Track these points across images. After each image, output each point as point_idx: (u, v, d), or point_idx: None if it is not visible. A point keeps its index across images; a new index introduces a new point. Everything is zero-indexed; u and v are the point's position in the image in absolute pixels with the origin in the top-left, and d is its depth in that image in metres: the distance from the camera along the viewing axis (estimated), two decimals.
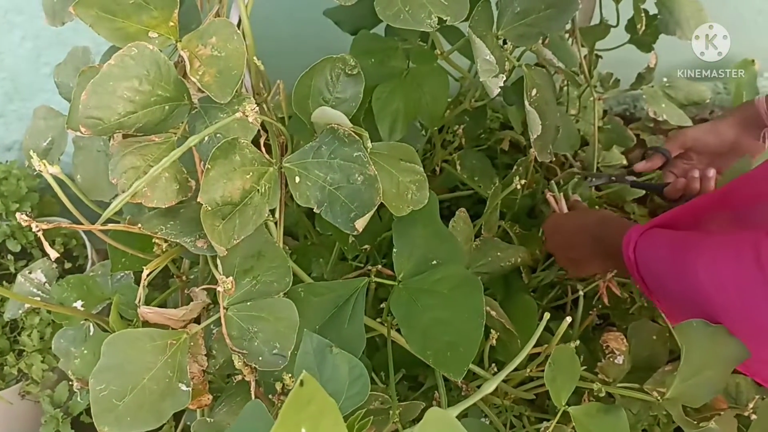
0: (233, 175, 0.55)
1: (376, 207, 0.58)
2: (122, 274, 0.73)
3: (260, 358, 0.56)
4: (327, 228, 0.92)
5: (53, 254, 0.47)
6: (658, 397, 0.61)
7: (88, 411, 0.84)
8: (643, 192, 1.12)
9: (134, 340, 0.54)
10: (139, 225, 0.56)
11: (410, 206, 0.63)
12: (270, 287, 0.59)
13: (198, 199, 0.53)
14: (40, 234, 0.46)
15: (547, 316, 0.60)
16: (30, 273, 0.77)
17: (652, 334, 0.85)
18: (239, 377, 0.58)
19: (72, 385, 0.80)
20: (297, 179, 0.59)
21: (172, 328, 0.59)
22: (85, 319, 0.71)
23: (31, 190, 0.98)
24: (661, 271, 0.65)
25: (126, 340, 0.54)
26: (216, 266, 0.59)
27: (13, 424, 0.77)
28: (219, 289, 0.55)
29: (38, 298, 0.74)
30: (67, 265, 0.97)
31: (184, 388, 0.55)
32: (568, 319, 0.60)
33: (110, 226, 0.54)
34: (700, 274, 0.57)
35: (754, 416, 0.65)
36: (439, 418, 0.39)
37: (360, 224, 0.57)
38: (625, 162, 1.18)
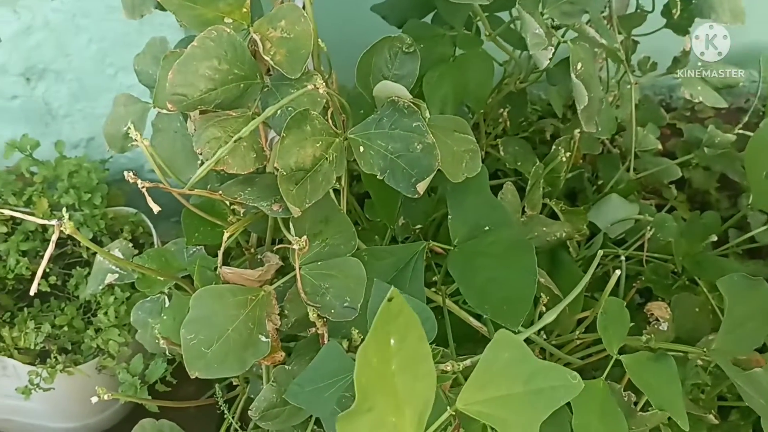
0: (305, 143, 0.60)
1: (434, 172, 0.63)
2: (194, 249, 0.78)
3: (332, 311, 0.61)
4: (376, 215, 0.97)
5: (156, 208, 0.52)
6: (704, 349, 0.65)
7: (162, 380, 0.90)
8: (680, 174, 1.15)
9: (219, 295, 0.60)
10: (220, 192, 0.62)
11: (464, 173, 0.68)
12: (338, 249, 0.65)
13: (274, 164, 0.58)
14: (144, 190, 0.52)
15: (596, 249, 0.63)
16: (108, 251, 0.83)
17: (695, 306, 0.89)
18: (312, 331, 0.63)
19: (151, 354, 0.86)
20: (361, 149, 0.64)
21: None
22: (161, 292, 0.77)
23: (100, 182, 1.05)
24: None
25: (212, 294, 0.60)
26: (288, 230, 0.64)
27: (91, 395, 0.82)
28: (295, 247, 0.60)
29: (117, 275, 0.81)
30: (134, 252, 1.03)
31: (263, 339, 0.60)
32: (618, 272, 0.64)
33: (196, 191, 0.60)
34: None
35: None
36: (508, 339, 0.44)
37: (421, 187, 0.62)
38: (660, 148, 1.21)
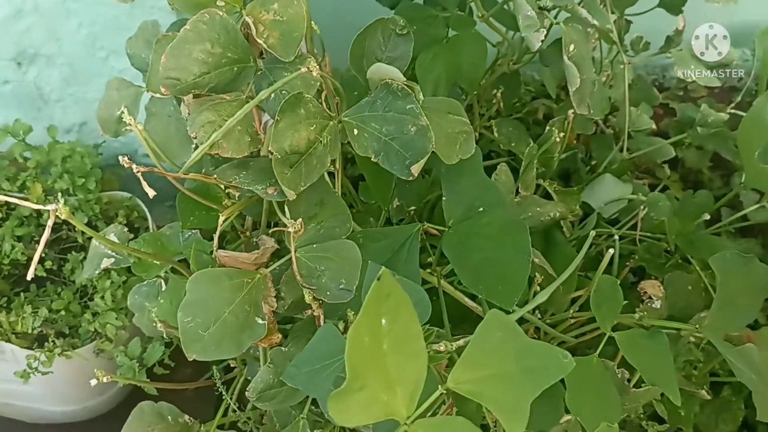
0: (299, 126, 0.60)
1: (429, 154, 0.63)
2: (190, 233, 0.78)
3: (328, 293, 0.61)
4: (371, 197, 0.97)
5: (151, 192, 0.52)
6: (697, 325, 0.65)
7: (160, 363, 0.90)
8: (673, 154, 1.16)
9: (215, 278, 0.60)
10: (215, 176, 0.62)
11: (458, 155, 0.68)
12: (333, 232, 0.65)
13: (269, 148, 0.59)
14: (139, 174, 0.52)
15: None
16: (104, 236, 0.84)
17: (687, 284, 0.89)
18: (308, 313, 0.63)
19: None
20: (355, 131, 0.64)
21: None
22: (157, 276, 0.77)
23: (94, 166, 1.05)
24: None
25: (208, 278, 0.60)
26: (283, 213, 0.64)
27: (89, 379, 0.83)
28: (290, 230, 0.61)
29: (113, 260, 0.81)
30: (129, 236, 1.03)
31: (260, 321, 0.61)
32: (611, 250, 0.64)
33: (191, 175, 0.60)
34: None
35: None
36: (499, 319, 0.44)
37: (415, 169, 0.62)
38: (653, 128, 1.22)
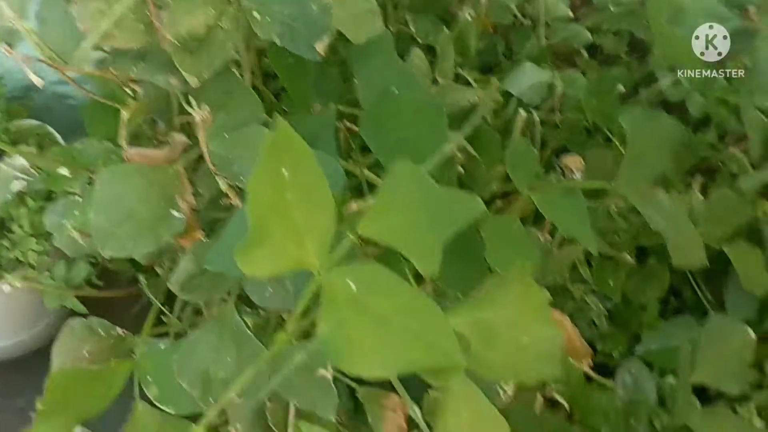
0: (195, 11, 0.58)
1: (333, 32, 0.62)
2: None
3: (242, 178, 0.60)
4: (292, 104, 0.96)
5: (38, 80, 0.50)
6: (611, 183, 0.67)
7: (89, 283, 0.88)
8: (590, 38, 1.17)
9: (125, 175, 0.59)
10: (111, 68, 0.59)
11: (366, 34, 0.67)
12: (244, 120, 0.64)
13: (164, 33, 0.56)
14: (20, 61, 0.50)
15: None
16: (10, 160, 0.80)
17: (607, 159, 0.91)
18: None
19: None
20: (257, 15, 0.62)
21: None
22: (72, 193, 0.75)
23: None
24: None
25: (118, 175, 0.59)
26: (190, 105, 0.62)
27: (16, 311, 0.81)
28: (197, 119, 0.59)
29: (23, 182, 0.78)
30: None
31: (176, 214, 0.60)
32: (522, 112, 0.65)
33: (87, 70, 0.58)
34: None
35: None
36: (408, 168, 0.44)
37: (320, 47, 0.61)
38: (571, 15, 1.22)
